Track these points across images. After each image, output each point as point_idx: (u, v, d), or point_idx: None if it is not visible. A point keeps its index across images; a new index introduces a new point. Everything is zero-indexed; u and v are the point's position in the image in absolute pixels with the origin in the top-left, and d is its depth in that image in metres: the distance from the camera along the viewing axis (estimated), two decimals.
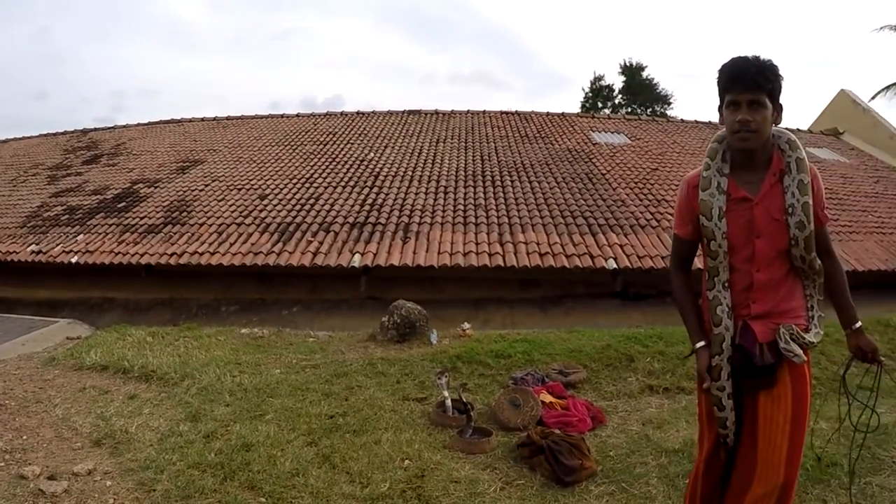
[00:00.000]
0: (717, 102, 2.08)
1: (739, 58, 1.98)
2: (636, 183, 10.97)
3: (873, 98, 16.73)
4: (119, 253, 8.95)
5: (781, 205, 2.03)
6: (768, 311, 2.07)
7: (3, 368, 5.42)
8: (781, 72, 1.98)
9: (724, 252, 2.06)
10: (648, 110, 28.68)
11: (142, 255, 8.78)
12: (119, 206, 10.77)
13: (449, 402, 4.23)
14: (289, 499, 3.02)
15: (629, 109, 28.72)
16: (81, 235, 9.71)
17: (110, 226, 9.95)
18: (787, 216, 2.01)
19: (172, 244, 8.97)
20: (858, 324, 2.19)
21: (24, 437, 3.82)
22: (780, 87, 1.97)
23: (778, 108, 2.01)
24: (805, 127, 16.64)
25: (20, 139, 17.44)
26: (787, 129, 2.18)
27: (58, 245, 9.50)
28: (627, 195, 10.38)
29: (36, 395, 4.64)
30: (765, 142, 2.03)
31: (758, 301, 2.07)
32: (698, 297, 2.24)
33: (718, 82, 2.03)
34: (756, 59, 1.96)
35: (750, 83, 1.93)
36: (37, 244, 9.67)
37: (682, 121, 16.42)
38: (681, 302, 2.23)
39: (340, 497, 3.06)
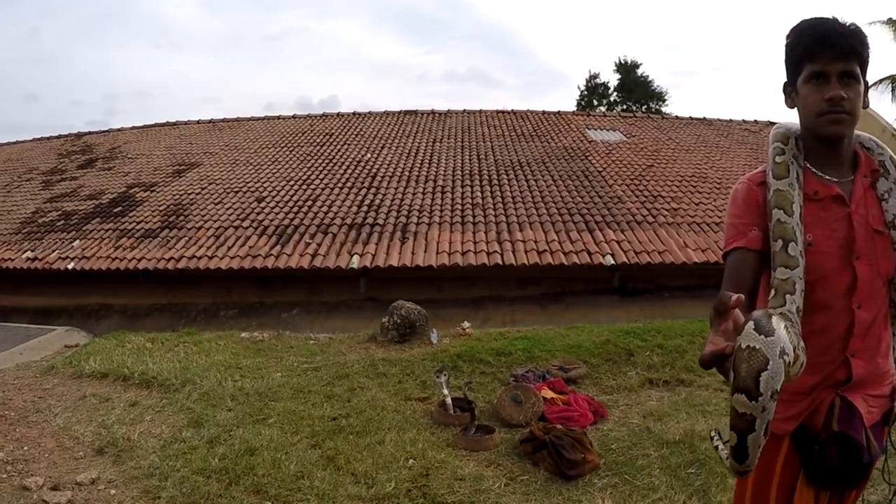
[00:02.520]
0: (785, 80, 1.53)
1: (821, 18, 1.46)
2: (632, 180, 10.99)
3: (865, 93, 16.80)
4: (116, 258, 8.91)
5: (880, 214, 1.48)
6: (869, 372, 1.46)
7: (2, 378, 5.38)
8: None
9: (803, 267, 1.39)
10: (643, 108, 28.78)
11: (139, 261, 8.75)
12: (115, 210, 10.73)
13: (449, 401, 4.24)
14: (295, 501, 3.02)
15: (624, 107, 28.79)
16: (77, 241, 9.67)
17: (107, 231, 9.90)
18: (892, 230, 1.47)
19: (170, 248, 8.94)
20: None
21: (26, 448, 3.80)
22: (869, 59, 1.45)
23: (867, 88, 1.48)
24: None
25: (13, 143, 17.33)
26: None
27: (54, 251, 9.46)
28: (623, 192, 10.40)
29: (36, 405, 4.62)
30: (853, 131, 1.50)
31: (859, 355, 1.44)
32: None
33: (793, 49, 1.47)
34: (842, 20, 1.44)
35: (845, 48, 1.39)
36: (32, 251, 9.62)
37: (677, 118, 16.46)
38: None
39: (346, 498, 3.05)
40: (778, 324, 0.96)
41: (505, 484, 3.29)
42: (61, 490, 3.22)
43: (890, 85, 16.94)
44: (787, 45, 1.49)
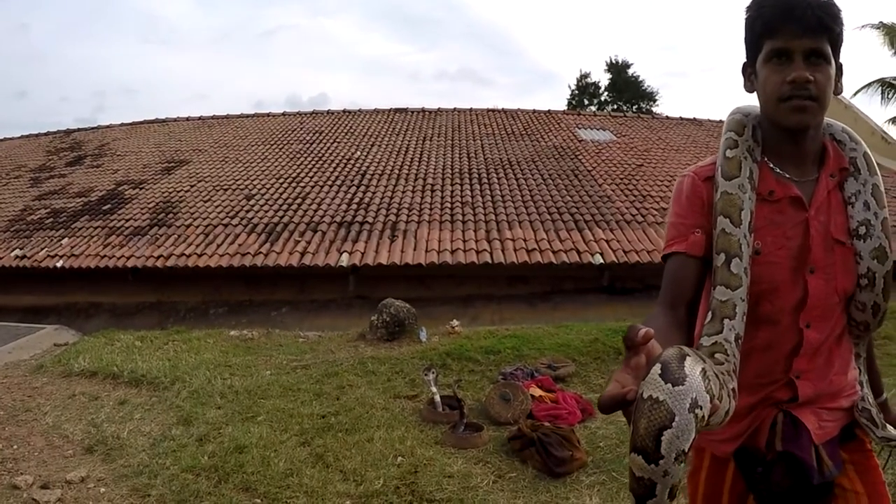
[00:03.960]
0: (744, 59, 1.31)
1: None
2: (621, 179, 11.06)
3: (855, 95, 16.97)
4: (105, 256, 8.88)
5: (843, 221, 1.29)
6: (819, 391, 1.30)
7: None
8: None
9: (747, 287, 1.20)
10: (634, 107, 28.89)
11: (128, 258, 8.72)
12: (104, 208, 10.68)
13: (438, 399, 4.28)
14: (284, 499, 3.04)
15: (615, 106, 28.89)
16: (66, 239, 9.62)
17: (95, 228, 9.86)
18: (855, 239, 1.28)
19: (159, 246, 8.92)
20: (885, 395, 1.51)
21: (15, 447, 3.81)
22: (843, 37, 1.23)
23: (839, 71, 1.26)
24: None
25: (2, 141, 17.20)
26: None
27: (42, 249, 9.40)
28: (613, 191, 10.46)
29: (25, 404, 4.62)
30: (820, 121, 1.28)
31: (806, 376, 1.28)
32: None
33: (752, 23, 1.25)
34: None
35: (812, 22, 1.16)
36: (21, 249, 9.55)
37: (667, 118, 16.55)
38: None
39: (335, 495, 3.08)
40: (692, 368, 0.76)
41: (493, 481, 3.33)
42: (51, 488, 3.23)
43: (879, 88, 17.10)
44: (746, 19, 1.27)
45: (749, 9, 1.26)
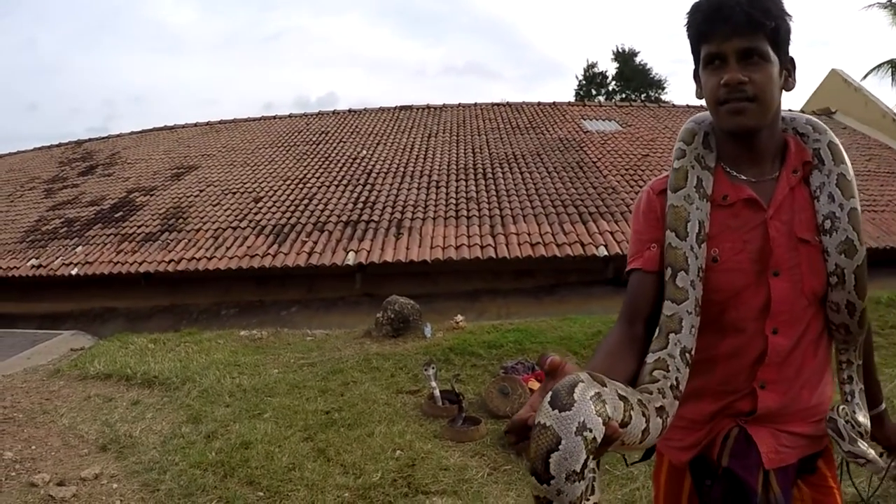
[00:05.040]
0: (693, 66, 1.28)
1: None
2: (627, 170, 11.07)
3: (865, 77, 16.78)
4: (118, 262, 9.08)
5: (810, 218, 1.24)
6: (784, 405, 1.23)
7: (10, 382, 5.57)
8: (786, 7, 1.20)
9: (695, 299, 1.19)
10: (642, 96, 28.67)
11: (140, 264, 8.92)
12: (116, 215, 10.89)
13: (437, 393, 4.39)
14: (285, 492, 3.18)
15: (623, 96, 28.67)
16: (80, 247, 9.84)
17: (108, 236, 10.07)
18: (822, 235, 1.23)
19: (170, 251, 9.10)
20: (883, 405, 1.42)
21: (33, 447, 3.99)
22: (787, 28, 1.19)
23: (787, 65, 1.22)
24: (797, 108, 16.72)
25: (15, 154, 17.50)
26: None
27: (57, 258, 9.63)
28: (618, 182, 10.48)
29: (42, 406, 4.80)
30: (772, 120, 1.24)
31: (771, 386, 1.23)
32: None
33: (689, 28, 1.24)
34: None
35: (740, 21, 1.14)
36: (37, 258, 9.80)
37: (674, 106, 16.46)
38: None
39: (334, 488, 3.21)
40: (582, 394, 0.81)
41: (488, 473, 3.45)
42: (67, 485, 3.40)
43: (890, 69, 16.88)
44: (686, 26, 1.25)
45: (687, 14, 1.24)
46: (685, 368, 1.13)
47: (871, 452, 1.21)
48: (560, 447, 0.78)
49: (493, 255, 8.18)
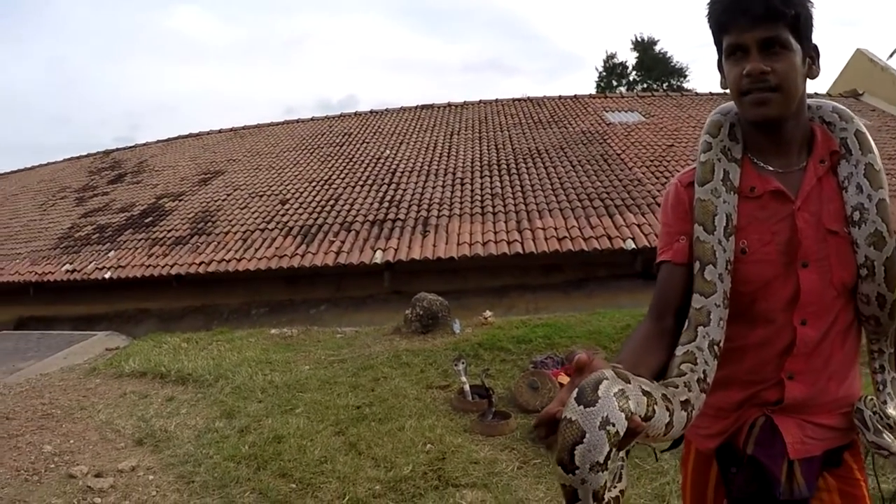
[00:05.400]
0: (716, 57, 1.27)
1: None
2: (651, 161, 10.94)
3: (892, 55, 16.36)
4: (150, 266, 9.26)
5: (838, 209, 1.22)
6: (811, 396, 1.23)
7: (48, 381, 5.72)
8: None
9: (724, 292, 1.20)
10: (664, 85, 28.23)
11: (171, 266, 9.07)
12: (146, 221, 11.11)
13: (468, 388, 4.38)
14: (317, 484, 3.21)
15: (644, 85, 28.27)
16: (112, 252, 10.06)
17: (139, 241, 10.28)
18: (850, 226, 1.21)
19: (200, 254, 9.24)
20: None
21: (72, 441, 4.09)
22: (809, 15, 1.18)
23: (810, 52, 1.21)
24: (823, 90, 16.36)
25: (46, 165, 18.01)
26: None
27: (91, 263, 9.86)
28: (643, 174, 10.36)
29: (80, 403, 4.92)
30: (797, 110, 1.22)
31: (799, 377, 1.23)
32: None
33: (710, 20, 1.24)
34: None
35: (759, 11, 1.13)
36: (70, 263, 10.04)
37: (697, 94, 16.22)
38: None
39: (366, 480, 3.23)
40: (607, 390, 0.86)
41: (517, 467, 3.44)
42: (104, 477, 3.50)
43: None
44: (707, 17, 1.25)
45: (706, 7, 1.24)
46: (713, 361, 1.15)
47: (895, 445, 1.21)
48: (584, 440, 0.84)
49: (521, 251, 8.15)
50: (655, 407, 0.95)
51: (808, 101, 1.27)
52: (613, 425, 0.85)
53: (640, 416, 0.89)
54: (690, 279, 1.23)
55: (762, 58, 1.15)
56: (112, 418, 4.46)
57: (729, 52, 1.20)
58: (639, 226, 8.59)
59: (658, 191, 9.63)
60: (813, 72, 1.22)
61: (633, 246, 8.20)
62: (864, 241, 1.19)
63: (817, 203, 1.22)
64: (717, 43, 1.24)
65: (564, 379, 4.59)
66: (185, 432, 4.05)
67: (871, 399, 1.26)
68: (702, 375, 1.12)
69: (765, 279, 1.22)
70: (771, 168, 1.25)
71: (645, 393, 0.93)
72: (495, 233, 8.63)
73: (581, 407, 0.85)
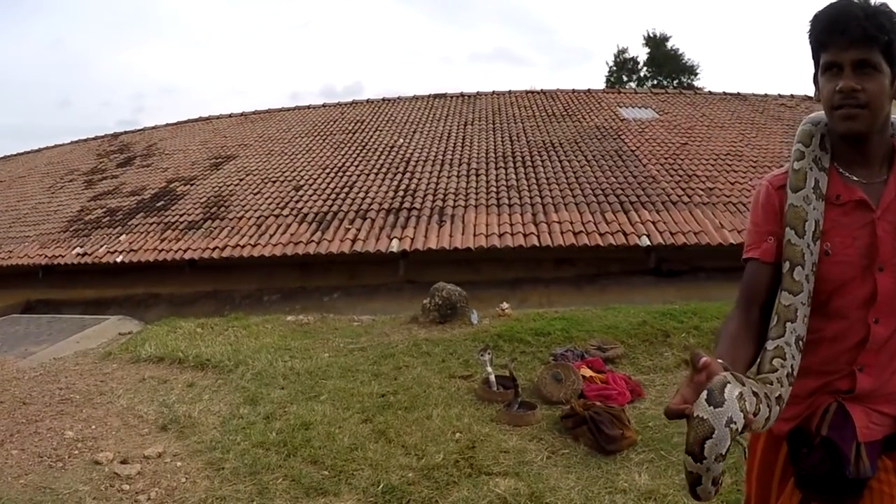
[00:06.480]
0: (812, 70, 1.40)
1: (840, 1, 1.32)
2: (666, 158, 10.89)
3: None
4: (162, 250, 9.23)
5: None
6: (877, 388, 1.35)
7: (63, 365, 5.68)
8: None
9: (809, 291, 1.34)
10: (675, 82, 28.13)
11: (184, 251, 9.04)
12: (157, 205, 11.06)
13: (493, 378, 4.37)
14: (350, 471, 3.18)
15: (655, 82, 28.16)
16: (124, 235, 10.02)
17: (151, 224, 10.23)
18: None
19: (213, 239, 9.21)
20: None
21: (93, 427, 4.05)
22: None
23: None
24: None
25: (52, 147, 17.88)
26: None
27: (102, 246, 9.82)
28: (658, 171, 10.31)
29: (98, 388, 4.88)
30: (882, 126, 1.34)
31: (868, 369, 1.35)
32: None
33: (810, 37, 1.36)
34: (865, 2, 1.29)
35: (856, 34, 1.26)
36: (81, 247, 9.99)
37: (711, 93, 16.13)
38: (720, 336, 1.41)
39: (398, 468, 3.21)
40: (731, 393, 1.03)
41: (547, 457, 3.44)
42: (130, 463, 3.45)
43: None
44: (808, 34, 1.37)
45: (810, 23, 1.35)
46: (798, 354, 1.31)
47: None
48: (714, 435, 1.01)
49: (536, 244, 8.13)
50: (761, 405, 1.12)
51: (893, 117, 1.39)
52: (735, 423, 1.02)
53: (752, 415, 1.07)
54: (776, 277, 1.38)
55: (855, 77, 1.27)
56: (133, 404, 4.42)
57: (825, 69, 1.32)
58: (653, 223, 8.56)
59: (672, 189, 9.60)
60: None
61: (648, 243, 8.18)
62: None
63: (895, 214, 1.33)
64: (815, 59, 1.36)
65: (587, 372, 4.58)
66: (210, 418, 4.02)
67: None
68: (790, 370, 1.27)
69: (844, 279, 1.35)
70: (855, 178, 1.37)
71: (754, 394, 1.10)
72: (511, 224, 8.60)
73: (711, 407, 1.01)
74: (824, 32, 1.31)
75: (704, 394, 1.02)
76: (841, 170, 1.39)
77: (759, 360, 1.32)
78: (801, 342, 1.32)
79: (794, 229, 1.36)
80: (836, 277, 1.35)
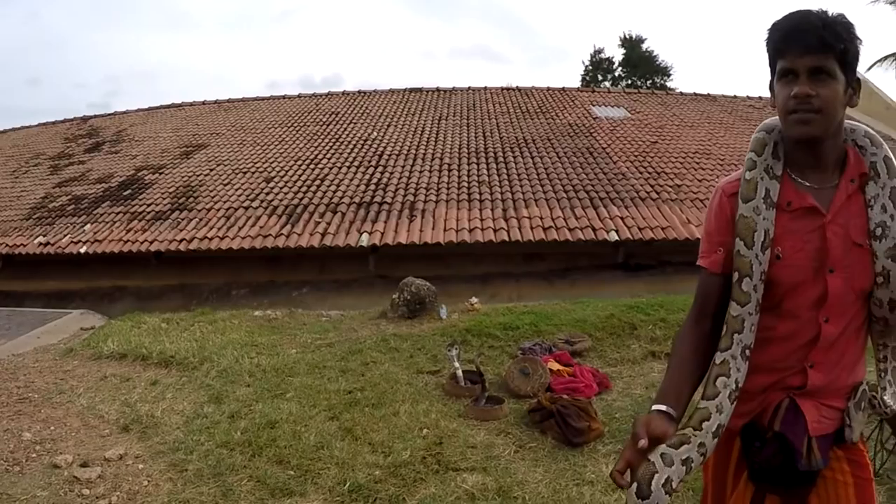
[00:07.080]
0: (768, 77, 1.43)
1: (797, 11, 1.37)
2: (636, 156, 11.02)
3: (869, 69, 16.65)
4: (128, 241, 9.04)
5: (863, 224, 1.39)
6: (827, 384, 1.42)
7: (21, 361, 5.50)
8: (857, 32, 1.36)
9: (756, 300, 1.40)
10: (648, 82, 28.50)
11: (151, 243, 8.88)
12: (125, 193, 10.83)
13: (460, 373, 4.38)
14: (316, 470, 3.16)
15: (629, 82, 28.43)
16: (89, 225, 9.79)
17: (117, 214, 10.02)
18: (872, 240, 1.38)
19: (181, 230, 9.06)
20: None
21: (52, 428, 3.90)
22: (856, 52, 1.34)
23: (853, 84, 1.36)
24: None
25: (19, 129, 17.29)
26: None
27: (65, 236, 9.57)
28: (627, 168, 10.44)
29: (58, 386, 4.71)
30: (835, 132, 1.38)
31: (818, 366, 1.41)
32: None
33: (768, 45, 1.40)
34: (822, 12, 1.34)
35: (812, 42, 1.30)
36: (44, 236, 9.73)
37: (682, 94, 16.34)
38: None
39: (365, 466, 3.19)
40: (657, 482, 1.22)
41: (514, 451, 3.47)
42: (91, 466, 3.31)
43: (893, 62, 16.77)
44: (765, 41, 1.41)
45: (768, 31, 1.40)
46: (744, 365, 1.39)
47: (858, 426, 1.43)
48: None
49: (507, 239, 8.17)
50: (692, 465, 1.29)
51: (845, 123, 1.42)
52: None
53: (680, 482, 1.26)
54: (726, 286, 1.43)
55: (810, 83, 1.31)
56: (94, 403, 4.29)
57: (781, 75, 1.36)
58: (622, 218, 8.70)
59: (642, 185, 9.73)
60: (853, 101, 1.37)
61: (617, 238, 8.31)
62: (884, 254, 1.37)
63: (845, 218, 1.38)
64: (772, 66, 1.40)
65: (555, 365, 4.63)
66: (173, 418, 3.94)
67: (871, 384, 1.49)
68: (734, 386, 1.37)
69: (795, 282, 1.40)
70: (807, 183, 1.41)
71: (684, 462, 1.27)
72: (482, 220, 8.63)
73: (640, 500, 1.21)
74: (782, 40, 1.35)
75: (634, 486, 1.23)
76: (794, 175, 1.43)
77: (706, 378, 1.41)
78: (747, 351, 1.39)
79: (743, 240, 1.40)
80: (787, 280, 1.40)
